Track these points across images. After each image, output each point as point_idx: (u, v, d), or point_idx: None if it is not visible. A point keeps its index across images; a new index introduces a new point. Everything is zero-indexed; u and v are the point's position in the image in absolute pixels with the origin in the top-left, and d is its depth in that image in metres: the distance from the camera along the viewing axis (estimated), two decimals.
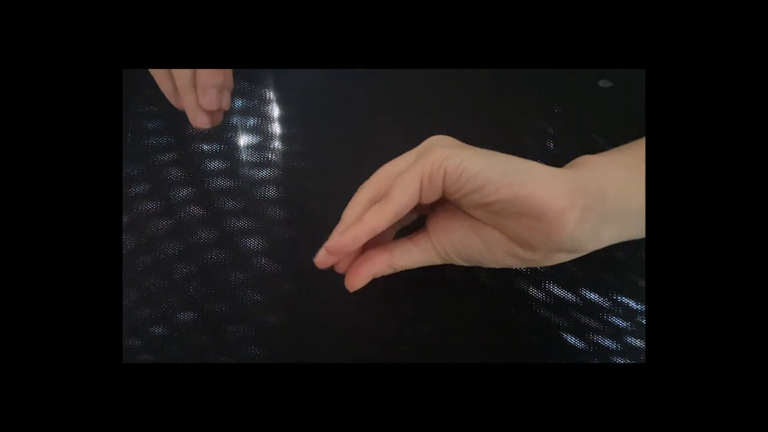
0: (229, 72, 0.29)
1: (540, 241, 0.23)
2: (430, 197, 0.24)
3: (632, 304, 0.33)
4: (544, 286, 0.33)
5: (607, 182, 0.24)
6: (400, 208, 0.24)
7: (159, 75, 0.29)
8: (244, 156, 0.35)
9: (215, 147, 0.35)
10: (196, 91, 0.29)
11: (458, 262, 0.27)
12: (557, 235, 0.23)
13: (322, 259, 0.26)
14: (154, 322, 0.34)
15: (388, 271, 0.27)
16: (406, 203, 0.24)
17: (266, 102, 0.35)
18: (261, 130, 0.35)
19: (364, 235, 0.24)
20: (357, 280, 0.27)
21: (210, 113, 0.29)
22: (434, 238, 0.27)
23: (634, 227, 0.24)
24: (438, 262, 0.27)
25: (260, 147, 0.35)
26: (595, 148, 0.34)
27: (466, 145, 0.25)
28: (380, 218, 0.24)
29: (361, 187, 0.27)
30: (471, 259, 0.27)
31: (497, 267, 0.27)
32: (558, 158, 0.33)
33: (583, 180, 0.23)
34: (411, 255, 0.27)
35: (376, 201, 0.25)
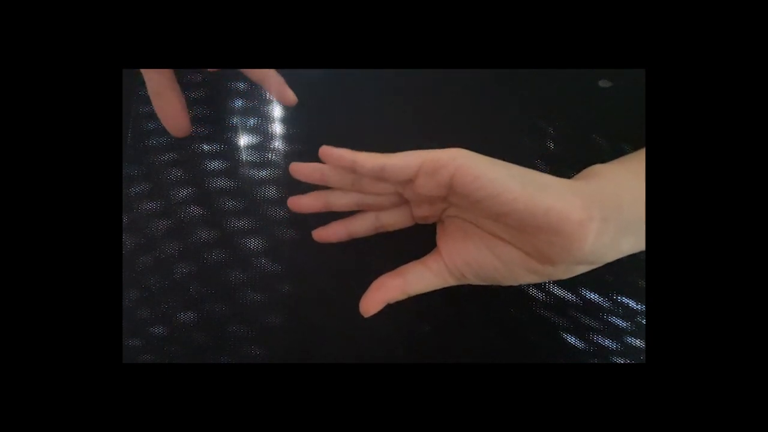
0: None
1: (560, 255, 0.23)
2: (428, 187, 0.24)
3: (632, 304, 0.33)
4: (544, 286, 0.33)
5: (623, 192, 0.24)
6: (389, 166, 0.24)
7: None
8: (244, 156, 0.35)
9: (215, 147, 0.35)
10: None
11: (474, 281, 0.27)
12: (578, 249, 0.22)
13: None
14: (154, 322, 0.34)
15: (401, 296, 0.27)
16: (396, 166, 0.24)
17: (266, 102, 0.35)
18: (261, 130, 0.35)
19: (345, 159, 0.25)
20: (371, 307, 0.27)
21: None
22: (448, 260, 0.27)
23: None
24: (453, 283, 0.27)
25: (260, 147, 0.35)
26: (595, 148, 0.34)
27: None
28: (367, 158, 0.25)
29: None
30: (488, 278, 0.26)
31: (515, 284, 0.26)
32: (558, 158, 0.33)
33: (599, 191, 0.23)
34: (424, 279, 0.27)
35: None
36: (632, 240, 0.24)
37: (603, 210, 0.22)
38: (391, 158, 0.25)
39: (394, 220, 0.29)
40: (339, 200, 0.30)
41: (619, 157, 0.28)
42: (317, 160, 0.35)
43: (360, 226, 0.30)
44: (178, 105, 0.29)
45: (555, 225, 0.22)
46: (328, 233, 0.30)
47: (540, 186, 0.23)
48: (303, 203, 0.30)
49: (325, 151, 0.26)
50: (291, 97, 0.30)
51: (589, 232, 0.22)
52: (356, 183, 0.29)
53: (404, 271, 0.27)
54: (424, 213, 0.28)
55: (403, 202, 0.29)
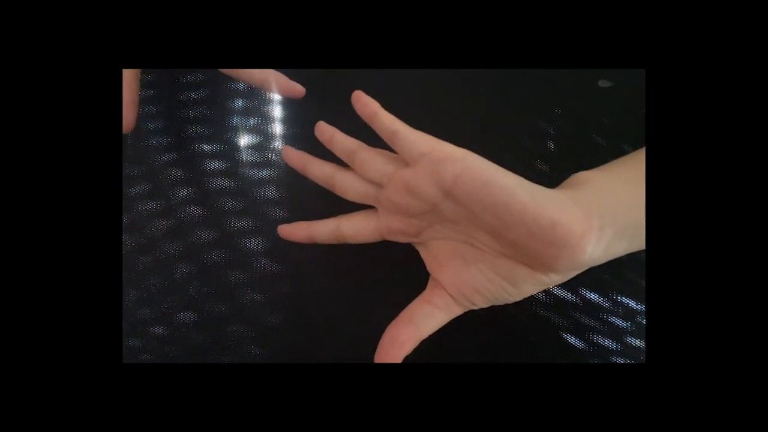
0: None
1: (563, 265, 0.23)
2: (425, 180, 0.24)
3: (632, 304, 0.33)
4: None
5: (616, 200, 0.24)
6: (402, 133, 0.25)
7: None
8: (244, 156, 0.35)
9: (215, 147, 0.35)
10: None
11: (480, 305, 0.27)
12: (580, 258, 0.23)
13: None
14: (154, 322, 0.34)
15: (416, 344, 0.27)
16: (409, 137, 0.25)
17: (266, 102, 0.35)
18: (261, 130, 0.35)
19: (369, 108, 0.26)
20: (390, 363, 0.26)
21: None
22: (454, 292, 0.26)
23: (641, 239, 0.25)
24: (460, 312, 0.27)
25: (260, 147, 0.35)
26: (595, 148, 0.34)
27: None
28: (387, 116, 0.26)
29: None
30: (496, 299, 0.26)
31: (519, 299, 0.26)
32: (558, 158, 0.33)
33: (594, 200, 0.24)
34: (434, 318, 0.27)
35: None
36: (624, 244, 0.24)
37: (600, 219, 0.23)
38: (407, 128, 0.25)
39: (356, 230, 0.29)
40: (313, 169, 0.30)
41: (606, 164, 0.28)
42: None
43: (320, 232, 0.29)
44: (126, 100, 0.28)
45: (560, 239, 0.22)
46: (290, 230, 0.30)
47: (545, 197, 0.23)
48: (289, 155, 0.30)
49: (357, 94, 0.27)
50: (298, 89, 0.30)
51: (590, 242, 0.23)
52: (351, 156, 0.28)
53: (412, 316, 0.27)
54: (395, 225, 0.27)
55: (370, 199, 0.28)
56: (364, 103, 0.26)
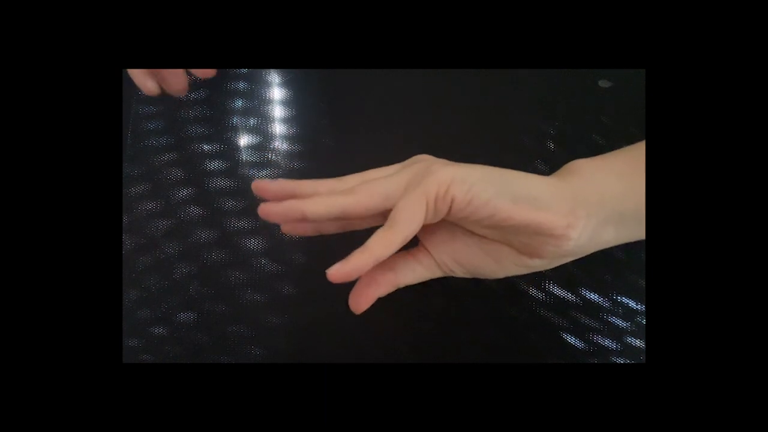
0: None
1: (549, 251, 0.24)
2: (432, 220, 0.24)
3: (632, 304, 0.33)
4: (544, 286, 0.33)
5: (604, 190, 0.25)
6: (408, 235, 0.23)
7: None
8: (244, 156, 0.35)
9: (215, 147, 0.35)
10: None
11: (461, 275, 0.27)
12: (565, 245, 0.24)
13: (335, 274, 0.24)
14: (154, 322, 0.34)
15: (392, 290, 0.27)
16: (413, 230, 0.23)
17: (266, 102, 0.35)
18: (261, 130, 0.35)
19: (369, 264, 0.23)
20: (362, 303, 0.26)
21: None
22: (437, 257, 0.27)
23: (631, 229, 0.25)
24: (440, 275, 0.28)
25: (260, 147, 0.35)
26: (595, 148, 0.34)
27: (458, 163, 0.25)
28: (387, 247, 0.23)
29: (343, 182, 0.26)
30: (478, 273, 0.27)
31: (502, 277, 0.27)
32: (558, 158, 0.33)
33: (582, 191, 0.25)
34: (415, 272, 0.27)
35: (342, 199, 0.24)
36: (612, 232, 0.25)
37: (587, 208, 0.24)
38: (403, 227, 0.23)
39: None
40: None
41: (600, 155, 0.28)
42: (316, 160, 0.35)
43: (326, 222, 0.29)
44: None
45: (547, 231, 0.23)
46: (296, 226, 0.29)
47: (530, 198, 0.23)
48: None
49: (340, 278, 0.23)
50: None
51: (575, 231, 0.23)
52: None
53: (395, 264, 0.27)
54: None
55: None
56: (348, 273, 0.23)
